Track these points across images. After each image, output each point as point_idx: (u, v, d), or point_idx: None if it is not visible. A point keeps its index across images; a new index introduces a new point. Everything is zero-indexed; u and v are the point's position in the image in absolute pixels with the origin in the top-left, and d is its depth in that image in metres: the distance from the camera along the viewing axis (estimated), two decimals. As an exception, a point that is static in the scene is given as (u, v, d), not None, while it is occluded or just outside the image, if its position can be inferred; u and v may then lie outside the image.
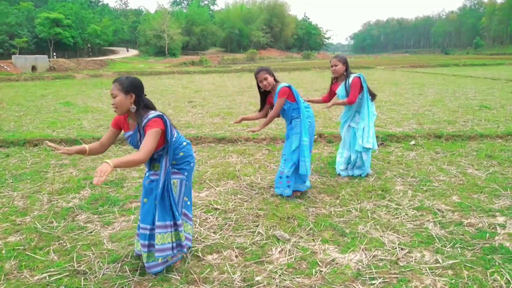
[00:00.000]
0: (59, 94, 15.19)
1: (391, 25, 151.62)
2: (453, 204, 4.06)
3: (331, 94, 4.99)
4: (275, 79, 4.12)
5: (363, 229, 3.53)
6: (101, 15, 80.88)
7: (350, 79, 4.68)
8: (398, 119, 8.63)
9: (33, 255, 3.18)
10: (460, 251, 3.11)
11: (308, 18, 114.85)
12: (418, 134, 6.82)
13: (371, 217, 3.79)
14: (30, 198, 4.43)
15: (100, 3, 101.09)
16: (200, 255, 3.14)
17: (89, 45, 68.37)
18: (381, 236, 3.39)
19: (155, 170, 2.89)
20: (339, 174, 5.05)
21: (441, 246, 3.21)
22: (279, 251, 3.17)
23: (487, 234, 3.37)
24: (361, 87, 4.71)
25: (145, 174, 2.96)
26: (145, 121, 2.65)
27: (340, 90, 4.77)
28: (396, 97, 12.56)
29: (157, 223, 2.80)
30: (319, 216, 3.82)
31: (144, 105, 2.73)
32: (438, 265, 2.93)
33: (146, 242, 2.84)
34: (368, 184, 4.67)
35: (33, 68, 32.66)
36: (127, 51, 75.14)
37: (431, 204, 4.04)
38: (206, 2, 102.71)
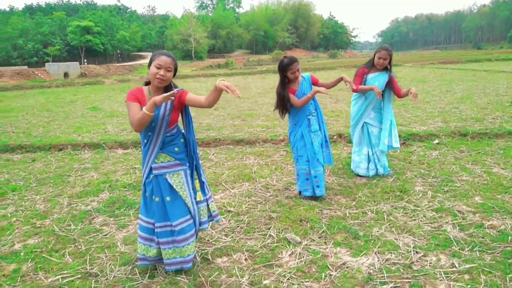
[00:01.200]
0: (87, 99, 15.64)
1: (420, 21, 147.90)
2: (475, 205, 3.89)
3: (361, 79, 4.71)
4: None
5: (378, 231, 3.44)
6: (129, 21, 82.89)
7: (390, 75, 4.66)
8: (423, 118, 8.39)
9: (49, 257, 3.26)
10: (478, 255, 2.98)
11: (334, 17, 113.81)
12: (443, 132, 6.60)
13: (387, 219, 3.68)
14: (51, 201, 4.56)
15: (129, 10, 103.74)
16: (210, 258, 3.13)
17: (118, 51, 70.15)
18: (396, 239, 3.28)
19: (161, 162, 2.83)
20: (357, 175, 4.94)
21: (459, 249, 3.07)
22: (289, 254, 3.13)
23: (509, 237, 3.20)
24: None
25: (146, 169, 2.86)
26: (175, 90, 2.62)
27: (376, 79, 4.63)
28: (423, 94, 12.22)
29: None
30: (333, 218, 3.75)
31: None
32: (454, 269, 2.81)
33: (170, 239, 2.85)
34: (386, 185, 4.55)
35: (65, 75, 33.80)
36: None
37: (451, 206, 3.89)
38: (231, 5, 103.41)
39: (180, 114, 2.90)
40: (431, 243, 3.20)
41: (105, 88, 21.62)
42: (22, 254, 3.33)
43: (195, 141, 2.97)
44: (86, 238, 3.59)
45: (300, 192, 4.31)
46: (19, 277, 2.97)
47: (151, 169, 2.85)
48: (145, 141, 2.84)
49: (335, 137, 6.72)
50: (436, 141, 6.28)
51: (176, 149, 2.88)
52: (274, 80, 21.76)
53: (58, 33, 64.75)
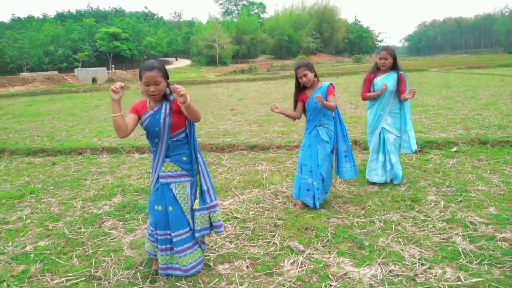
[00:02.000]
0: (111, 104, 15.98)
1: (448, 25, 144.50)
2: (488, 216, 3.76)
3: (369, 86, 4.71)
4: (316, 76, 4.07)
5: (384, 242, 3.36)
6: (156, 27, 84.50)
7: (399, 74, 4.55)
8: (444, 124, 8.19)
9: (57, 259, 3.34)
10: (487, 269, 2.87)
11: (359, 22, 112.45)
12: (462, 140, 6.41)
13: (395, 229, 3.60)
14: (65, 204, 4.68)
15: (156, 16, 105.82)
16: (211, 264, 3.14)
17: (145, 57, 71.53)
18: (402, 250, 3.21)
19: (168, 171, 2.86)
20: (371, 183, 4.85)
21: (467, 262, 2.97)
22: (291, 263, 3.10)
23: (522, 251, 3.08)
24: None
25: (155, 176, 2.90)
26: (172, 97, 2.76)
27: (386, 80, 4.53)
28: (446, 100, 11.94)
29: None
30: (339, 227, 3.70)
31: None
32: (459, 283, 2.72)
33: (169, 246, 2.91)
34: (398, 193, 4.46)
35: (94, 80, 34.75)
36: (176, 59, 77.85)
37: (463, 216, 3.77)
38: (256, 11, 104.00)
39: (185, 118, 2.86)
40: (438, 255, 3.11)
41: (130, 93, 22.02)
42: (32, 255, 3.43)
43: (196, 146, 2.95)
44: (94, 241, 3.66)
45: (303, 203, 4.23)
46: (26, 278, 3.06)
47: (158, 177, 2.88)
48: (154, 148, 2.90)
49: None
50: (454, 149, 6.11)
51: (184, 158, 2.89)
52: (291, 87, 21.70)
53: (87, 39, 66.67)
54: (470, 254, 3.08)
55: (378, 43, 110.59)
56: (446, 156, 5.86)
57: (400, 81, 4.53)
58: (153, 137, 2.84)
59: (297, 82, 4.13)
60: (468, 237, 3.36)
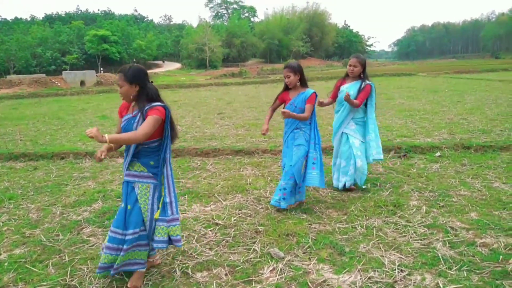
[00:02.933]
0: (98, 107, 15.85)
1: (436, 30, 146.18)
2: (469, 221, 3.77)
3: (336, 91, 4.81)
4: (302, 80, 4.07)
5: (365, 248, 3.35)
6: (146, 30, 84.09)
7: (364, 84, 4.54)
8: (429, 129, 8.24)
9: (32, 268, 3.26)
10: (466, 275, 2.86)
11: (349, 26, 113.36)
12: (445, 145, 6.45)
13: (376, 234, 3.59)
14: (44, 210, 4.58)
15: (145, 19, 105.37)
16: (189, 272, 3.09)
17: (134, 60, 71.15)
18: (382, 256, 3.19)
19: (135, 170, 2.88)
20: (337, 188, 4.85)
21: (446, 268, 2.96)
22: (271, 270, 3.06)
23: (501, 256, 3.08)
24: (369, 96, 4.58)
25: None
26: (147, 107, 2.78)
27: (351, 89, 4.57)
28: (432, 105, 12.04)
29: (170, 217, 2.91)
30: (321, 233, 3.67)
31: (148, 95, 2.81)
32: (437, 290, 2.71)
33: (119, 246, 2.85)
34: (380, 198, 4.45)
35: (82, 83, 34.41)
36: (163, 62, 77.63)
37: (444, 222, 3.78)
38: (246, 15, 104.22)
39: (161, 129, 2.85)
40: (418, 261, 3.10)
41: (118, 97, 21.85)
42: (6, 264, 3.33)
43: (166, 158, 2.92)
44: (71, 249, 3.58)
45: (300, 202, 4.36)
46: (-1, 288, 2.97)
47: (124, 175, 2.94)
48: (126, 148, 2.96)
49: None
50: (438, 153, 6.14)
51: (152, 162, 2.90)
52: (284, 89, 21.72)
53: (76, 42, 66.07)
54: (450, 260, 3.08)
55: (368, 47, 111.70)
56: (430, 161, 5.88)
57: (361, 90, 4.51)
58: None
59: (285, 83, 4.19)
60: (448, 243, 3.36)
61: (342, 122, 4.73)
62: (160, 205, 2.90)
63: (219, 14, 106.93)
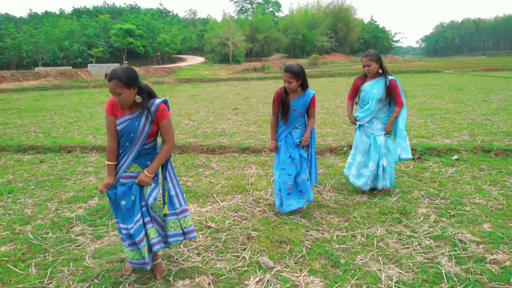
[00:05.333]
0: (116, 101, 15.89)
1: (466, 26, 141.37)
2: (481, 233, 3.45)
3: (355, 90, 4.52)
4: (303, 84, 3.82)
5: (362, 260, 3.09)
6: (170, 24, 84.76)
7: (388, 80, 4.25)
8: (449, 130, 7.82)
9: (13, 267, 3.16)
10: (470, 296, 2.58)
11: (375, 22, 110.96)
12: (464, 147, 6.06)
13: (376, 245, 3.32)
14: (40, 206, 4.51)
15: (171, 14, 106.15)
16: (171, 279, 2.91)
17: (158, 54, 71.80)
18: (380, 270, 2.93)
19: (131, 171, 2.78)
20: (356, 186, 4.58)
21: (449, 287, 2.68)
22: (256, 281, 2.85)
23: (512, 276, 2.78)
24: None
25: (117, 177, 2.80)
26: (154, 107, 2.68)
27: (375, 87, 4.27)
28: (455, 104, 11.50)
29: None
30: (317, 241, 3.43)
31: (147, 93, 2.71)
32: (436, 312, 2.44)
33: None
34: (387, 204, 4.16)
35: (106, 76, 34.81)
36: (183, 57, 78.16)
37: (453, 233, 3.47)
38: (271, 9, 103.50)
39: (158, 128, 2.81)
40: (418, 277, 2.83)
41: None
42: (-12, 262, 3.25)
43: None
44: (57, 249, 3.47)
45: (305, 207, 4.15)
46: (-25, 288, 2.88)
47: (119, 178, 2.78)
48: (121, 151, 2.80)
49: (345, 148, 6.34)
50: (455, 156, 5.77)
51: (149, 162, 2.82)
52: (304, 85, 21.37)
53: (102, 35, 67.19)
54: (454, 278, 2.79)
55: (394, 43, 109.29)
56: (445, 165, 5.53)
57: (391, 89, 4.25)
58: (125, 141, 2.74)
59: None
60: (455, 258, 3.07)
61: (362, 119, 4.42)
62: (166, 200, 2.88)
63: (244, 8, 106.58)
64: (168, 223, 2.89)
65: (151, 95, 2.75)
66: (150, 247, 2.79)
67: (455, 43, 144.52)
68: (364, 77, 4.41)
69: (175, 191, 2.90)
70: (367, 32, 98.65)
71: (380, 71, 4.27)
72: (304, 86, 3.83)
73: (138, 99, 2.65)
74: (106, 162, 2.79)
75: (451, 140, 6.82)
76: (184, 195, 3.06)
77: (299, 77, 3.75)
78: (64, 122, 10.61)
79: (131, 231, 2.71)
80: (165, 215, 2.89)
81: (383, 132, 4.36)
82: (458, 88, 16.39)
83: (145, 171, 2.71)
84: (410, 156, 4.52)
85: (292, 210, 3.98)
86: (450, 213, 3.91)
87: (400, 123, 4.40)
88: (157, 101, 2.73)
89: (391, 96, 4.31)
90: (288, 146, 3.92)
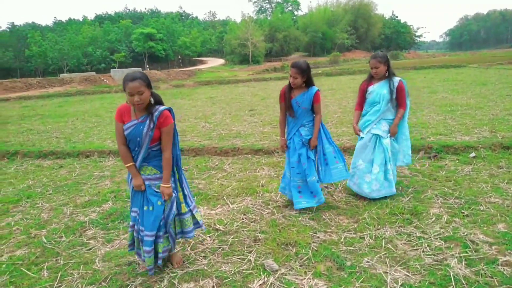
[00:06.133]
0: (136, 105, 16.16)
1: (492, 18, 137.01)
2: (495, 234, 3.35)
3: (363, 97, 4.42)
4: (308, 80, 3.89)
5: (368, 262, 3.04)
6: (190, 27, 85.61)
7: (396, 82, 4.19)
8: (469, 126, 7.60)
9: (26, 271, 3.26)
10: (478, 300, 2.51)
11: (397, 17, 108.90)
12: (482, 144, 5.88)
13: (384, 247, 3.27)
14: (56, 210, 4.63)
15: (190, 16, 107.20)
16: (176, 282, 2.94)
17: (179, 57, 72.60)
18: (386, 273, 2.88)
19: (147, 174, 2.93)
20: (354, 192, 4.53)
21: (456, 290, 2.62)
22: (260, 284, 2.85)
23: (525, 279, 2.68)
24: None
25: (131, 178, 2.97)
26: (157, 113, 2.81)
27: (383, 88, 4.21)
28: (478, 99, 11.17)
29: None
30: (324, 243, 3.40)
31: (155, 100, 2.88)
32: (441, 316, 2.38)
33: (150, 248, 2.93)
34: (398, 205, 4.08)
35: (125, 80, 35.48)
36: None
37: (465, 234, 3.38)
38: (290, 8, 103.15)
39: None
40: (425, 280, 2.76)
41: (159, 93, 22.18)
42: (4, 266, 3.36)
43: (179, 155, 3.04)
44: (69, 252, 3.56)
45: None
46: (-11, 291, 2.98)
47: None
48: (133, 154, 2.94)
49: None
50: (473, 154, 5.61)
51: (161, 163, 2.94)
52: (322, 84, 21.23)
53: (124, 40, 68.48)
54: (463, 280, 2.72)
55: (417, 38, 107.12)
56: (462, 163, 5.38)
57: (398, 90, 4.19)
58: (133, 145, 2.90)
59: None
60: (465, 260, 2.98)
61: (372, 122, 4.30)
62: (182, 199, 3.08)
63: (263, 8, 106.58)
64: (187, 219, 3.13)
65: (158, 102, 2.90)
66: (156, 258, 2.97)
67: (480, 36, 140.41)
68: (370, 80, 4.35)
69: (187, 191, 3.16)
70: (388, 27, 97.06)
71: (387, 74, 4.21)
72: (308, 83, 3.90)
73: (152, 100, 2.83)
74: (126, 165, 2.92)
75: (470, 137, 6.63)
76: (195, 198, 3.22)
77: (304, 74, 3.83)
78: (85, 127, 10.87)
79: (145, 239, 2.90)
80: (182, 213, 3.09)
81: (389, 134, 4.28)
82: (482, 82, 15.92)
83: (162, 185, 2.86)
84: (410, 161, 4.50)
85: (301, 208, 4.01)
86: (463, 213, 3.81)
87: (404, 121, 4.37)
88: (161, 107, 2.85)
89: (397, 98, 4.24)
90: (296, 146, 3.98)
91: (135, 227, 3.00)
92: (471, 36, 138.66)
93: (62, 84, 32.65)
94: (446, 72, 23.65)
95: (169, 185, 2.88)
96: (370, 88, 4.29)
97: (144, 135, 2.81)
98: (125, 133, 2.86)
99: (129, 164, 2.91)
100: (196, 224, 3.21)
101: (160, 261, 2.96)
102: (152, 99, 2.82)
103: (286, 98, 3.98)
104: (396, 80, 4.22)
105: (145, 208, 2.91)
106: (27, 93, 26.97)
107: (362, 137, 4.35)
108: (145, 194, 2.93)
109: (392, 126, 4.26)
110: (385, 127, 4.28)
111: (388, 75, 4.23)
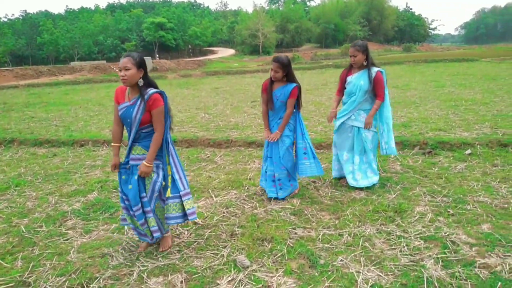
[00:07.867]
0: (140, 94, 16.16)
1: (510, 11, 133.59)
2: (478, 235, 3.24)
3: (342, 85, 4.44)
4: (288, 75, 3.95)
5: (342, 260, 2.97)
6: (201, 17, 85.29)
7: (374, 72, 4.14)
8: (471, 122, 7.42)
9: (0, 260, 3.25)
10: (448, 304, 2.42)
11: (411, 9, 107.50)
12: (479, 141, 5.72)
13: (362, 245, 3.18)
14: (41, 199, 4.63)
15: (202, 6, 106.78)
16: (145, 276, 2.90)
17: (190, 46, 72.53)
18: (358, 272, 2.80)
19: (137, 154, 3.02)
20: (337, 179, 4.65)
21: (427, 293, 2.53)
22: (228, 281, 2.79)
23: (500, 283, 2.57)
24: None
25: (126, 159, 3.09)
26: (146, 96, 2.88)
27: (360, 79, 4.19)
28: (484, 94, 10.92)
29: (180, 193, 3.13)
30: (301, 239, 3.33)
31: (148, 81, 2.95)
32: (407, 320, 2.30)
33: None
34: (383, 202, 3.99)
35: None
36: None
37: (447, 234, 3.28)
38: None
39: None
40: (397, 281, 2.68)
41: (166, 83, 22.23)
42: (-21, 255, 3.35)
43: (168, 138, 3.07)
44: (46, 242, 3.54)
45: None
46: (-40, 280, 2.97)
47: (128, 160, 3.08)
48: (128, 134, 3.06)
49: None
50: (469, 151, 5.46)
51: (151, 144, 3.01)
52: (331, 76, 21.01)
53: (135, 29, 68.60)
54: (436, 283, 2.62)
55: (431, 31, 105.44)
56: (456, 160, 5.24)
57: (376, 81, 4.14)
58: (126, 125, 3.03)
59: None
60: (442, 261, 2.89)
61: (350, 112, 4.30)
62: (169, 184, 3.09)
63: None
64: (170, 205, 3.12)
65: (151, 85, 2.97)
66: (151, 232, 3.09)
67: (497, 29, 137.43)
68: (350, 69, 4.34)
69: (179, 175, 3.15)
70: (402, 20, 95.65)
71: (365, 63, 4.16)
72: (289, 77, 3.95)
73: (141, 82, 2.89)
74: (112, 144, 3.13)
75: (470, 133, 6.47)
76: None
77: (285, 68, 3.90)
78: (86, 115, 10.90)
79: (136, 214, 3.02)
80: (167, 198, 3.10)
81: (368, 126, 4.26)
82: (491, 77, 15.56)
83: (144, 162, 2.90)
84: (395, 152, 4.44)
85: (271, 197, 4.18)
86: (449, 212, 3.70)
87: (385, 112, 4.31)
88: (152, 90, 2.91)
89: (374, 89, 4.18)
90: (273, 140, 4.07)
91: (125, 203, 3.11)
92: (488, 30, 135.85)
93: (72, 72, 32.82)
94: (457, 66, 23.20)
95: (149, 164, 2.91)
96: (349, 78, 4.31)
97: (134, 117, 2.89)
98: (119, 114, 3.00)
99: (114, 144, 3.11)
100: (185, 217, 3.18)
101: (157, 235, 3.08)
102: (141, 81, 2.88)
103: (267, 90, 3.96)
104: (375, 70, 4.19)
105: (129, 186, 3.01)
106: (37, 80, 27.16)
107: (336, 129, 4.44)
108: (131, 175, 3.04)
109: (367, 117, 4.22)
110: (364, 118, 4.26)
111: (367, 65, 4.18)
